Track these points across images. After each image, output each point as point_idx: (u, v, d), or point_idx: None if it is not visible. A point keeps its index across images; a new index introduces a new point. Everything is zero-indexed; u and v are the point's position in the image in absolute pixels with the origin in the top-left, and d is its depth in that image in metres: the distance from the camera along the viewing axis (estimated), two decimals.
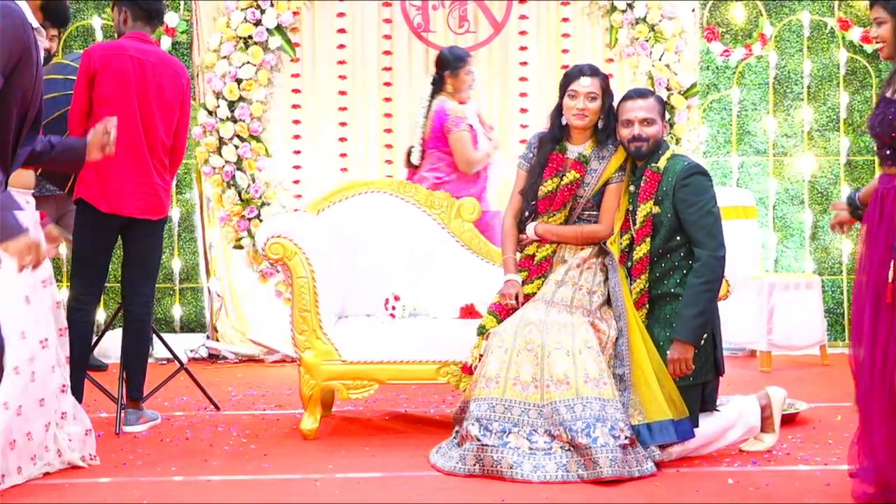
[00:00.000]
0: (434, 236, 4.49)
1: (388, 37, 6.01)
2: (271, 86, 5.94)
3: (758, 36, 6.06)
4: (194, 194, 6.08)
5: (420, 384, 4.53)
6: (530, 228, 3.86)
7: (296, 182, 5.98)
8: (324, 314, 4.03)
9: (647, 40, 5.85)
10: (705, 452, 3.65)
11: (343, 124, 6.01)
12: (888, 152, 3.01)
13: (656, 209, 3.65)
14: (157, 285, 4.41)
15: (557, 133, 3.86)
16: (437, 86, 4.97)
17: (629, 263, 3.71)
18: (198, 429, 4.18)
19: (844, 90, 6.09)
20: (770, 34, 6.07)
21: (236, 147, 5.81)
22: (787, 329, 5.47)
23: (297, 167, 6.00)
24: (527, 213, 3.90)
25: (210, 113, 5.82)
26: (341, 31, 5.99)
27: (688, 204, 3.60)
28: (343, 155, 6.01)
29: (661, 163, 3.68)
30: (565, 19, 6.01)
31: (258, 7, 5.79)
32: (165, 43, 5.92)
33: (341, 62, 6.00)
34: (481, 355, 3.66)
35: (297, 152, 6.01)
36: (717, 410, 3.70)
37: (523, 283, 3.81)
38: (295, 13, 5.89)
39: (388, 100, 6.02)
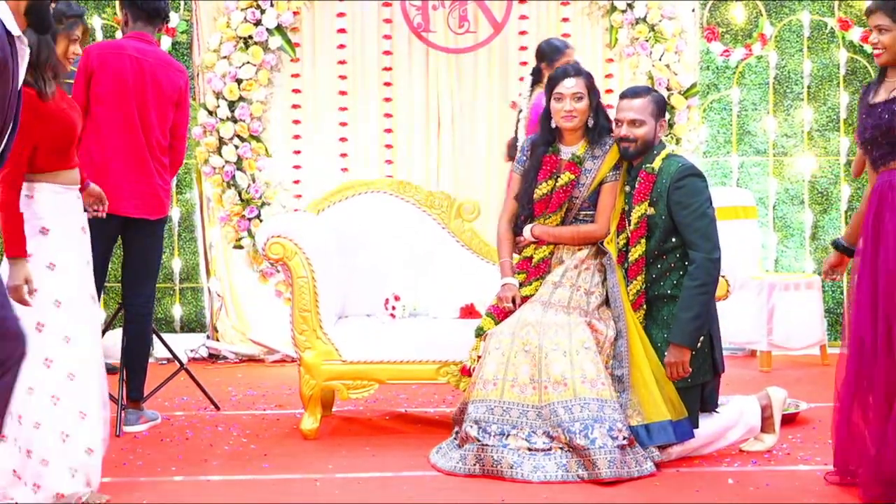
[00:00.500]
0: (434, 236, 4.49)
1: (388, 37, 6.00)
2: (271, 86, 5.93)
3: (758, 36, 6.05)
4: (194, 194, 6.08)
5: (420, 384, 4.53)
6: (527, 230, 3.86)
7: (296, 182, 5.98)
8: (324, 314, 4.03)
9: (647, 40, 5.84)
10: (706, 452, 3.65)
11: (343, 124, 6.01)
12: (885, 150, 3.02)
13: (651, 210, 3.64)
14: (157, 285, 4.41)
15: (549, 136, 3.86)
16: (536, 77, 5.08)
17: (625, 265, 3.70)
18: (198, 429, 4.18)
19: (844, 90, 6.09)
20: (770, 34, 6.07)
21: (236, 147, 5.81)
22: (787, 329, 5.47)
23: (297, 167, 6.00)
24: (522, 217, 3.89)
25: (210, 113, 5.82)
26: (341, 31, 5.99)
27: (682, 206, 3.59)
28: (343, 155, 6.00)
29: (656, 163, 3.66)
30: (565, 19, 6.01)
31: (258, 7, 5.78)
32: (165, 43, 5.92)
33: (341, 62, 5.99)
34: (479, 357, 3.66)
35: (297, 152, 6.00)
36: (717, 412, 3.70)
37: (522, 285, 3.80)
38: (295, 13, 5.88)
39: (388, 100, 6.02)
